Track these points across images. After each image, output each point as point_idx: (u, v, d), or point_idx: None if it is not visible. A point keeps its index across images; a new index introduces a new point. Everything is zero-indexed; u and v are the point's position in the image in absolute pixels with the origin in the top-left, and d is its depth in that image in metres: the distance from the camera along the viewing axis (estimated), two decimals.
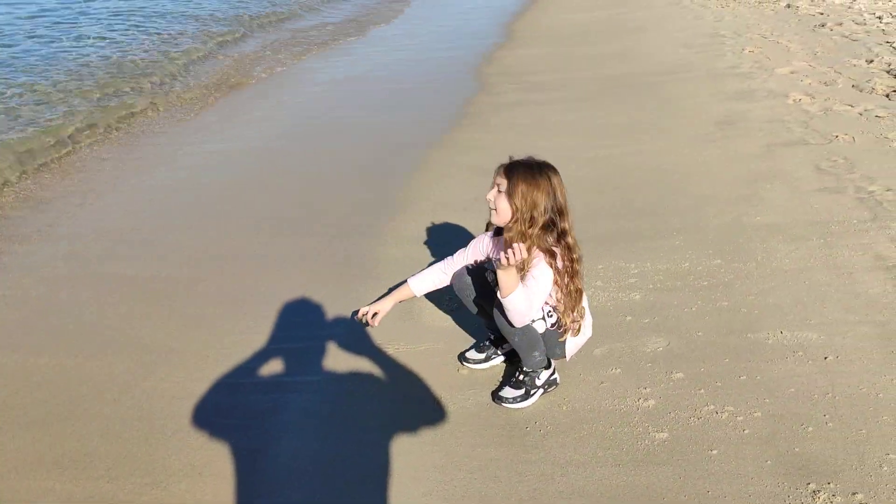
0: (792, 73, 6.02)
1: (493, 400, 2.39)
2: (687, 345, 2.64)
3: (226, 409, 2.43)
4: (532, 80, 6.72)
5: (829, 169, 4.09)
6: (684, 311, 2.87)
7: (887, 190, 3.74)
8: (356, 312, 2.57)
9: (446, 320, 2.91)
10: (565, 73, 6.95)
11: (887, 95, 5.13)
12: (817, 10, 8.11)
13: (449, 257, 2.55)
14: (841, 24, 7.30)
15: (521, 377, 2.40)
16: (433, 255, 3.44)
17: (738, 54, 6.79)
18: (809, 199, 3.76)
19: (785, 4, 8.64)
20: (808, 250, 3.24)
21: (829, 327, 2.66)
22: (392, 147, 5.13)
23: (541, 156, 2.28)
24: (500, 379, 2.52)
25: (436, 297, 2.89)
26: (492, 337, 2.62)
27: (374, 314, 2.47)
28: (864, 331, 2.62)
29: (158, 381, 2.59)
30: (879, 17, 7.36)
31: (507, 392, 2.39)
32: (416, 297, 2.57)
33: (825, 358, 2.49)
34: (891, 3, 7.88)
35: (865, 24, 7.21)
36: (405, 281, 2.55)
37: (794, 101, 5.32)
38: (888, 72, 5.62)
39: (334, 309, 3.02)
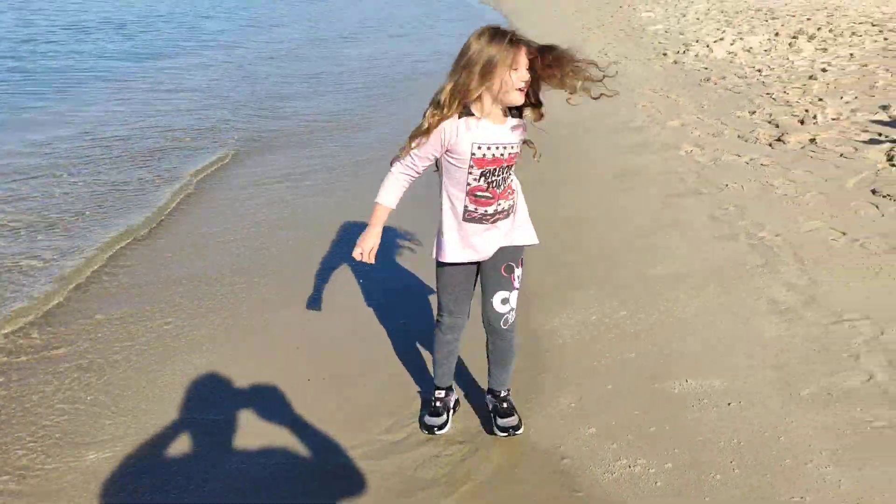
0: (682, 125, 6.37)
1: (504, 433, 2.45)
2: (598, 399, 2.70)
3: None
4: None
5: (722, 217, 4.33)
6: (594, 364, 2.94)
7: (776, 235, 3.97)
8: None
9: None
10: None
11: (770, 144, 5.50)
12: (702, 66, 8.66)
13: (406, 158, 2.21)
14: (724, 78, 7.82)
15: (507, 403, 2.52)
16: None
17: (632, 109, 7.15)
18: (705, 248, 3.95)
19: (672, 61, 9.18)
20: (708, 298, 3.40)
21: (731, 373, 2.78)
22: None
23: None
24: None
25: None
26: (443, 392, 2.61)
27: (371, 251, 2.30)
28: (763, 375, 2.75)
29: None
30: (759, 71, 7.92)
31: (511, 420, 2.46)
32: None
33: (728, 404, 2.59)
34: (768, 58, 8.50)
35: (746, 77, 7.75)
36: (376, 203, 2.28)
37: (686, 152, 5.62)
38: (769, 122, 6.03)
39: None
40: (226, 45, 13.10)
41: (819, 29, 9.82)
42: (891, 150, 4.96)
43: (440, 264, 2.38)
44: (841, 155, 5.04)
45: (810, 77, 7.31)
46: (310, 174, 5.83)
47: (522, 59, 2.09)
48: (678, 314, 3.28)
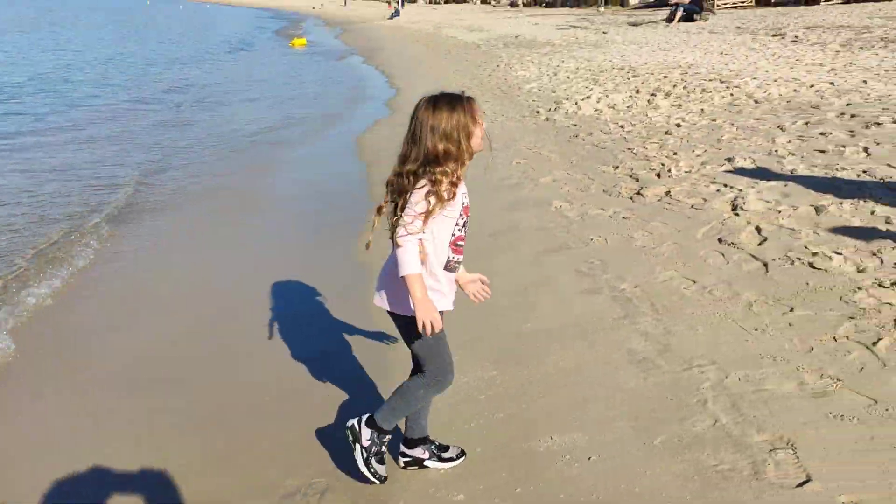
0: (554, 181, 6.68)
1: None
2: (467, 462, 2.76)
3: None
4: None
5: (588, 271, 4.55)
6: (464, 427, 3.01)
7: (635, 286, 4.22)
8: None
9: None
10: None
11: (631, 198, 5.85)
12: (571, 122, 9.14)
13: (413, 232, 2.32)
14: (591, 134, 8.27)
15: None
16: None
17: (509, 166, 7.43)
18: (572, 302, 4.15)
19: (544, 118, 9.64)
20: (574, 352, 3.56)
21: (592, 427, 2.91)
22: None
23: None
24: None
25: None
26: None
27: (438, 318, 2.34)
28: (621, 426, 2.90)
29: None
30: (622, 126, 8.44)
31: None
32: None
33: (589, 458, 2.71)
34: (630, 114, 9.07)
35: (611, 132, 8.23)
36: (413, 275, 2.31)
37: (556, 208, 5.89)
38: (630, 176, 6.42)
39: None
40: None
41: (675, 86, 10.57)
42: (734, 199, 5.38)
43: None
44: (692, 206, 5.42)
45: (666, 132, 7.85)
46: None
47: (479, 110, 2.40)
48: (546, 370, 3.42)
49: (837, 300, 3.71)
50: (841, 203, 5.00)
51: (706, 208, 5.35)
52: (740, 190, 5.59)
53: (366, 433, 2.60)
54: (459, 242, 2.48)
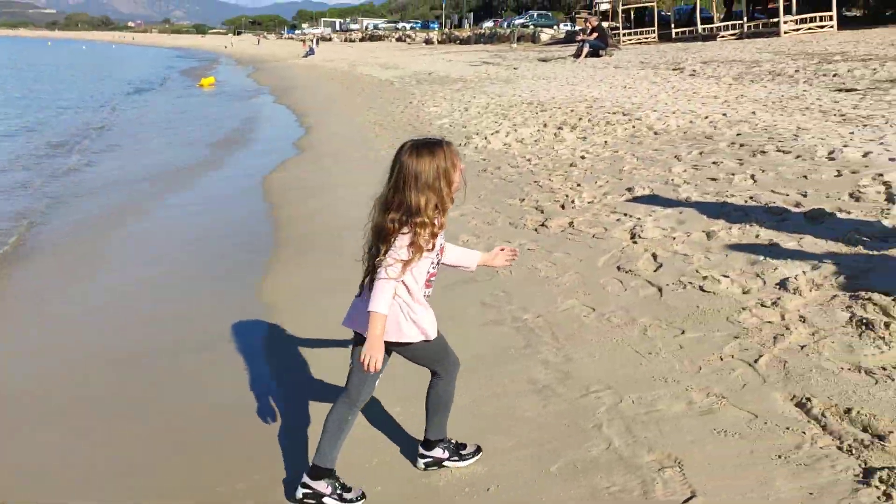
0: (462, 215, 6.79)
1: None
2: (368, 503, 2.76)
3: None
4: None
5: (492, 303, 4.65)
6: (366, 465, 3.02)
7: (537, 316, 4.33)
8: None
9: None
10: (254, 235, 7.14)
11: (536, 229, 6.01)
12: (481, 157, 9.35)
13: (392, 277, 2.47)
14: (499, 168, 8.48)
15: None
16: None
17: None
18: (476, 335, 4.22)
19: None
20: (476, 383, 3.62)
21: (491, 457, 2.97)
22: None
23: None
24: None
25: None
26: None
27: (380, 360, 2.51)
28: (520, 455, 2.97)
29: None
30: (529, 160, 8.69)
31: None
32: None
33: (488, 489, 2.76)
34: (537, 147, 9.34)
35: (518, 166, 8.46)
36: (378, 313, 2.48)
37: (463, 242, 5.98)
38: (536, 208, 6.60)
39: None
40: None
41: (580, 119, 10.97)
42: (633, 228, 5.61)
43: (426, 341, 2.69)
44: (594, 236, 5.62)
45: (571, 164, 8.12)
46: None
47: (457, 153, 2.57)
48: (454, 403, 3.45)
49: (724, 321, 3.91)
50: (730, 228, 5.28)
51: (607, 237, 5.55)
52: (639, 218, 5.83)
53: (320, 485, 2.69)
54: (432, 278, 2.71)
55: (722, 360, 3.53)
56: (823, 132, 8.12)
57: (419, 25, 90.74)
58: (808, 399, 3.06)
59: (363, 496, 2.76)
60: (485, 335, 4.20)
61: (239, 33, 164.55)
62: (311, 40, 58.81)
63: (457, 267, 2.97)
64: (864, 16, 38.36)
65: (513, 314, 4.43)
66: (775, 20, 30.59)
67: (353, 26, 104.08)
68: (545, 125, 10.97)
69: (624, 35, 39.54)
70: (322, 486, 2.71)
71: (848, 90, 11.72)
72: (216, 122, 17.68)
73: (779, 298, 4.05)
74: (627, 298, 4.42)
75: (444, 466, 2.89)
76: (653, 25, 41.46)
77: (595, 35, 23.56)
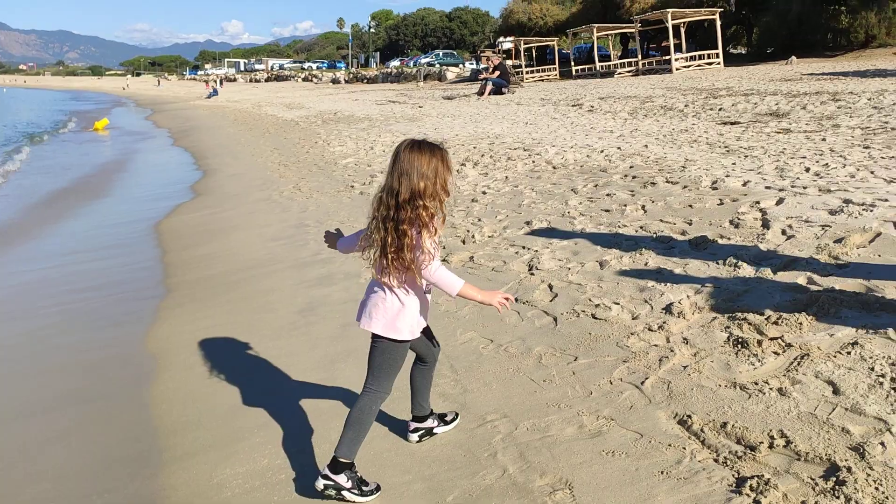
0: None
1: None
2: None
3: None
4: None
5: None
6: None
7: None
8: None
9: None
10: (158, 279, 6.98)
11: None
12: None
13: (436, 262, 2.78)
14: None
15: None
16: None
17: (321, 242, 7.50)
18: None
19: (359, 192, 9.90)
20: (375, 422, 3.64)
21: (388, 493, 3.00)
22: None
23: None
24: None
25: None
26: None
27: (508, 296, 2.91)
28: (416, 488, 3.02)
29: None
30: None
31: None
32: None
33: None
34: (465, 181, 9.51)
35: None
36: (463, 285, 2.82)
37: (365, 280, 6.02)
38: (458, 236, 6.72)
39: None
40: None
41: (482, 156, 11.26)
42: (531, 260, 5.80)
43: (399, 342, 2.93)
44: (493, 269, 5.78)
45: (473, 200, 8.32)
46: None
47: (450, 158, 2.85)
48: None
49: (614, 346, 4.10)
50: (621, 257, 5.54)
51: (505, 270, 5.72)
52: (536, 251, 6.04)
53: (342, 479, 2.91)
54: None
55: (611, 383, 3.69)
56: (709, 163, 8.64)
57: (326, 65, 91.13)
58: (689, 416, 3.25)
59: (378, 489, 2.98)
60: None
61: (138, 75, 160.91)
62: (215, 81, 58.11)
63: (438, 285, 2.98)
64: (748, 53, 41.08)
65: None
66: (668, 58, 32.34)
67: (258, 66, 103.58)
68: None
69: (526, 73, 40.92)
70: (342, 479, 2.91)
71: (732, 123, 12.52)
72: (106, 167, 17.18)
73: (664, 322, 4.28)
74: (524, 329, 4.57)
75: (433, 433, 3.36)
76: (554, 63, 43.09)
77: (497, 73, 24.30)
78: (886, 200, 6.00)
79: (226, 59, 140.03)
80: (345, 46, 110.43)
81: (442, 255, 6.34)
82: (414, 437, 3.36)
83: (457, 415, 3.47)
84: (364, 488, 2.95)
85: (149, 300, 6.30)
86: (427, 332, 3.12)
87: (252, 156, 16.07)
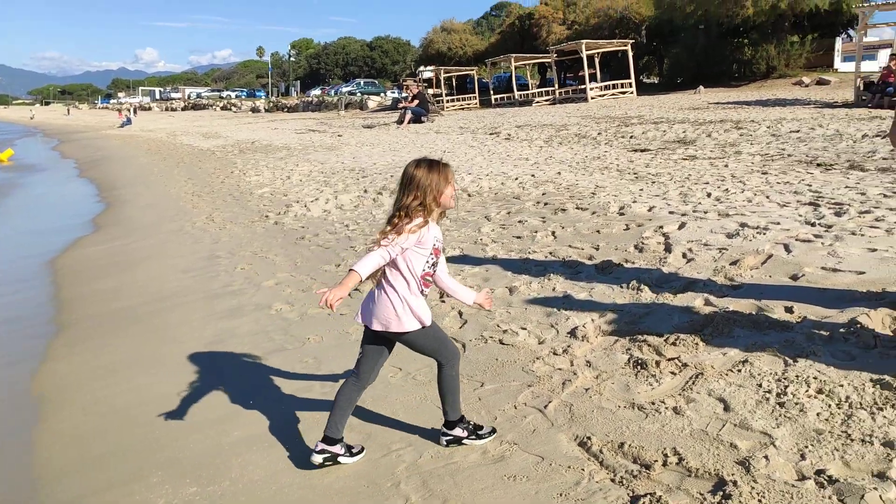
0: (276, 284, 6.78)
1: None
2: None
3: None
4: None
5: (301, 370, 4.66)
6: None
7: (345, 380, 4.37)
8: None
9: None
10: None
11: (350, 295, 6.09)
12: (300, 225, 9.38)
13: (385, 244, 3.04)
14: (317, 235, 8.55)
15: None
16: None
17: (231, 273, 7.41)
18: (283, 404, 4.20)
19: (273, 222, 9.80)
20: (276, 456, 3.59)
21: None
22: None
23: None
24: None
25: None
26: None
27: (338, 300, 2.94)
28: None
29: None
30: (347, 226, 8.83)
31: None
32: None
33: None
34: (356, 213, 9.52)
35: (336, 232, 8.58)
36: (354, 270, 3.00)
37: (276, 311, 5.97)
38: None
39: None
40: None
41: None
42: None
43: (424, 328, 3.23)
44: None
45: None
46: None
47: (452, 175, 3.17)
48: (249, 476, 3.41)
49: (520, 371, 4.17)
50: (530, 283, 5.65)
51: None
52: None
53: (458, 431, 3.42)
54: (427, 278, 3.24)
55: (516, 408, 3.75)
56: (618, 189, 8.93)
57: (245, 94, 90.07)
58: (589, 438, 3.33)
59: (494, 431, 3.46)
60: (291, 404, 4.19)
61: (47, 103, 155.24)
62: (129, 109, 56.61)
63: (452, 296, 3.55)
64: (660, 83, 42.76)
65: (321, 381, 4.46)
66: (583, 87, 33.34)
67: (174, 95, 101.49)
68: (365, 191, 11.22)
69: (447, 101, 41.43)
70: (458, 431, 3.41)
71: (642, 150, 12.98)
72: (3, 201, 16.46)
73: (569, 346, 4.38)
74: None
75: (463, 444, 3.43)
76: (474, 92, 43.80)
77: (416, 102, 24.54)
78: (779, 224, 6.33)
79: (140, 88, 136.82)
80: (265, 75, 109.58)
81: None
82: (443, 440, 3.49)
83: (494, 430, 3.52)
84: (480, 432, 3.45)
85: (36, 341, 6.02)
86: (440, 334, 3.41)
87: (165, 186, 15.69)
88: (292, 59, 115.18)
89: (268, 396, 4.35)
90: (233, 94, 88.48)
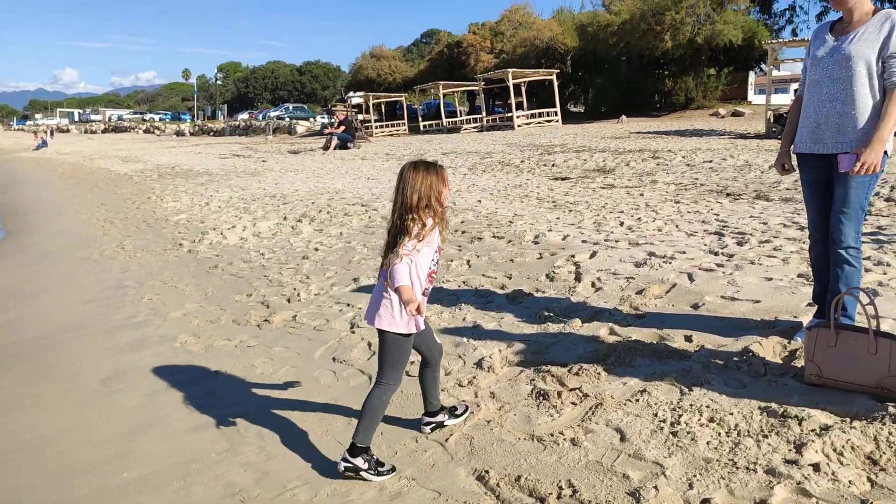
0: (184, 315, 6.58)
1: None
2: None
3: None
4: None
5: (201, 405, 4.51)
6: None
7: (245, 415, 4.26)
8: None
9: None
10: None
11: (259, 325, 5.98)
12: (214, 253, 9.17)
13: (407, 253, 3.15)
14: (231, 264, 8.37)
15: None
16: None
17: (138, 304, 7.16)
18: (179, 441, 4.05)
19: (187, 250, 9.55)
20: (167, 497, 3.45)
21: None
22: None
23: None
24: None
25: None
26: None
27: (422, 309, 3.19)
28: None
29: None
30: (262, 254, 8.68)
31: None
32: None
33: None
34: (273, 241, 9.38)
35: (251, 261, 8.42)
36: (406, 286, 3.13)
37: (180, 343, 5.79)
38: (262, 303, 6.60)
39: None
40: None
41: (320, 211, 11.23)
42: (353, 318, 5.80)
43: (405, 336, 3.32)
44: (314, 328, 5.72)
45: (304, 257, 8.25)
46: None
47: (447, 177, 3.30)
48: None
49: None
50: (442, 312, 5.65)
51: (327, 329, 5.67)
52: (360, 308, 6.04)
53: (360, 461, 3.34)
54: (433, 275, 3.35)
55: (417, 441, 3.71)
56: (535, 218, 9.06)
57: (169, 117, 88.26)
58: (487, 471, 3.32)
59: (394, 469, 3.40)
60: (188, 440, 4.05)
61: None
62: (45, 132, 54.72)
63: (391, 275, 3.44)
64: (585, 111, 43.89)
65: (221, 416, 4.33)
66: (510, 115, 33.92)
67: (94, 117, 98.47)
68: (285, 218, 11.08)
69: (376, 127, 41.51)
70: (360, 461, 3.33)
71: (563, 179, 13.24)
72: None
73: (474, 377, 4.38)
74: (338, 389, 4.52)
75: (444, 426, 3.72)
76: (403, 118, 44.03)
77: (342, 128, 24.48)
78: (684, 253, 6.53)
79: (58, 109, 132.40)
80: (190, 98, 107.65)
81: (264, 314, 6.26)
82: (427, 429, 3.73)
83: (467, 408, 3.87)
84: (380, 469, 3.38)
85: None
86: (427, 332, 3.53)
87: (77, 212, 15.15)
88: (219, 82, 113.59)
89: (162, 434, 4.19)
90: (156, 117, 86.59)
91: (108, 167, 26.07)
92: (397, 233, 3.20)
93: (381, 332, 3.34)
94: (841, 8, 4.07)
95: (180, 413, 4.47)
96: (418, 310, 3.14)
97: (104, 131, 75.83)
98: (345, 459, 3.38)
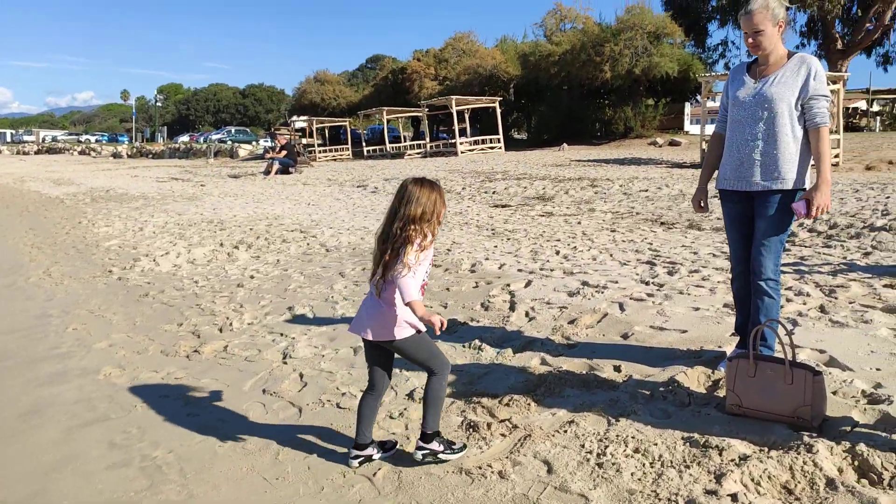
0: (110, 346, 6.39)
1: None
2: None
3: None
4: None
5: (122, 442, 4.37)
6: None
7: (169, 452, 4.15)
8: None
9: None
10: None
11: (188, 356, 5.84)
12: (145, 280, 8.95)
13: (412, 264, 3.26)
14: (163, 292, 8.18)
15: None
16: None
17: (62, 334, 6.93)
18: (95, 480, 3.91)
19: (116, 277, 9.30)
20: None
21: None
22: None
23: None
24: None
25: None
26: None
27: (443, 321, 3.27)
28: None
29: None
30: (196, 282, 8.51)
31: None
32: None
33: None
34: (208, 268, 9.20)
35: (184, 289, 8.24)
36: (416, 301, 3.25)
37: (104, 376, 5.61)
38: (193, 333, 6.45)
39: None
40: None
41: (258, 238, 11.09)
42: (286, 348, 5.71)
43: (416, 335, 3.42)
44: (246, 359, 5.62)
45: (238, 285, 8.12)
46: None
47: (444, 194, 3.43)
48: None
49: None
50: None
51: (258, 359, 5.58)
52: (293, 338, 5.96)
53: (435, 445, 3.57)
54: (424, 287, 3.43)
55: (345, 476, 3.66)
56: (473, 246, 9.12)
57: (106, 138, 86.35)
58: None
59: (465, 446, 3.70)
60: (106, 479, 3.91)
61: None
62: None
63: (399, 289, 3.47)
64: (528, 139, 44.54)
65: (142, 452, 4.20)
66: (453, 141, 34.21)
67: (27, 138, 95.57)
68: (221, 244, 10.90)
69: (319, 152, 41.34)
70: (435, 445, 3.58)
71: (503, 206, 13.38)
72: None
73: (405, 409, 4.36)
74: (267, 422, 4.44)
75: (439, 459, 3.59)
76: (347, 143, 43.98)
77: (284, 153, 24.30)
78: (617, 282, 6.65)
79: None
80: (129, 119, 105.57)
81: (194, 345, 6.12)
82: (355, 463, 3.69)
83: (465, 446, 3.74)
84: (453, 447, 3.62)
85: None
86: (390, 360, 3.62)
87: (3, 237, 14.62)
88: (159, 103, 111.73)
89: (79, 472, 4.04)
90: (92, 139, 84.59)
91: (38, 190, 25.30)
92: (395, 242, 3.26)
93: (397, 343, 3.43)
94: (758, 53, 4.25)
95: (100, 449, 4.31)
96: (443, 324, 3.27)
97: (37, 152, 73.56)
98: (420, 448, 3.58)
